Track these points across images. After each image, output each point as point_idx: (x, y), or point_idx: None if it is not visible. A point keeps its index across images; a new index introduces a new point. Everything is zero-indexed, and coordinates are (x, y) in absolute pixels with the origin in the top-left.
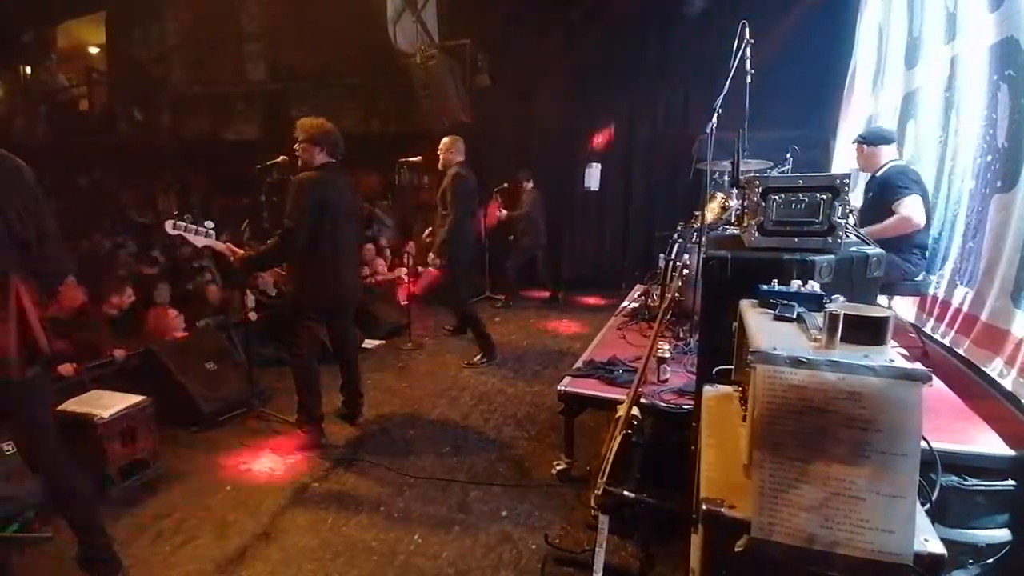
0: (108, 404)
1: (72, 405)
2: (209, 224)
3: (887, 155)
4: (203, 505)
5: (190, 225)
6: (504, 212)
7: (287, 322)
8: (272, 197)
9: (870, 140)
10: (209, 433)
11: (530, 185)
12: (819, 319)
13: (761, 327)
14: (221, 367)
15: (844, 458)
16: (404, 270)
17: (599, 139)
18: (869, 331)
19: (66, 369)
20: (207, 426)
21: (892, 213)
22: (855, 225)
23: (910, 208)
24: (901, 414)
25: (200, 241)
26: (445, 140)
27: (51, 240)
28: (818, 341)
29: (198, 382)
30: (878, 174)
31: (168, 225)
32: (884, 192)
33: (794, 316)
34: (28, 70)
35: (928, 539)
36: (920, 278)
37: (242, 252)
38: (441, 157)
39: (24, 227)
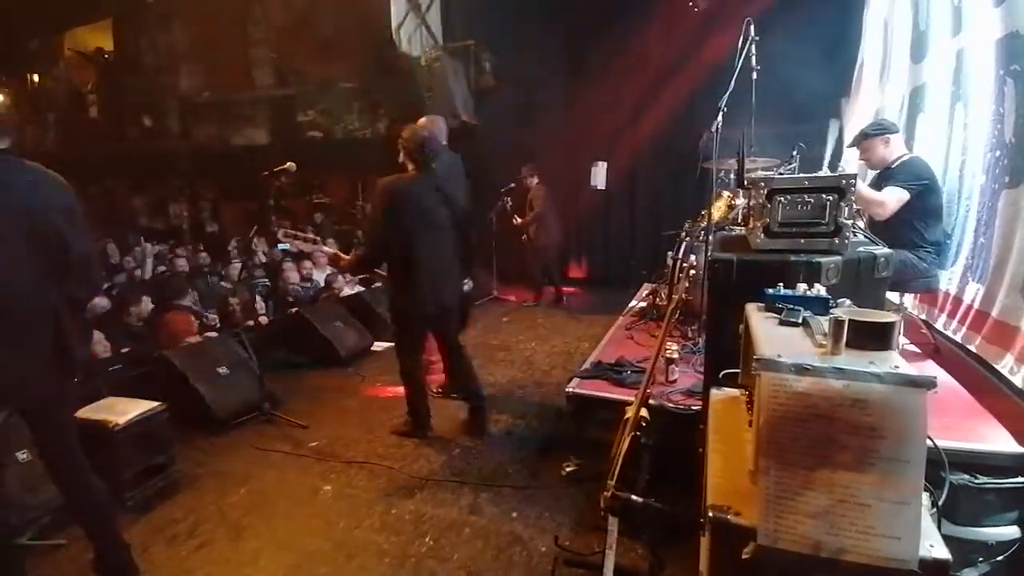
0: (123, 411)
1: (87, 412)
2: (310, 233)
3: (897, 147)
4: (217, 509)
5: (299, 233)
6: (518, 219)
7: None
8: (281, 202)
9: (869, 133)
10: (222, 437)
11: (535, 181)
12: (824, 324)
13: (766, 333)
14: (233, 372)
15: (849, 465)
16: None
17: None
18: (874, 336)
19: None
20: (220, 430)
21: None
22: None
23: (892, 197)
24: (906, 421)
25: (308, 247)
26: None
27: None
28: (823, 347)
29: (211, 387)
30: (893, 166)
31: (280, 234)
32: (889, 180)
33: (799, 321)
34: (36, 78)
35: (933, 545)
36: (932, 274)
37: (348, 258)
38: None
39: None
